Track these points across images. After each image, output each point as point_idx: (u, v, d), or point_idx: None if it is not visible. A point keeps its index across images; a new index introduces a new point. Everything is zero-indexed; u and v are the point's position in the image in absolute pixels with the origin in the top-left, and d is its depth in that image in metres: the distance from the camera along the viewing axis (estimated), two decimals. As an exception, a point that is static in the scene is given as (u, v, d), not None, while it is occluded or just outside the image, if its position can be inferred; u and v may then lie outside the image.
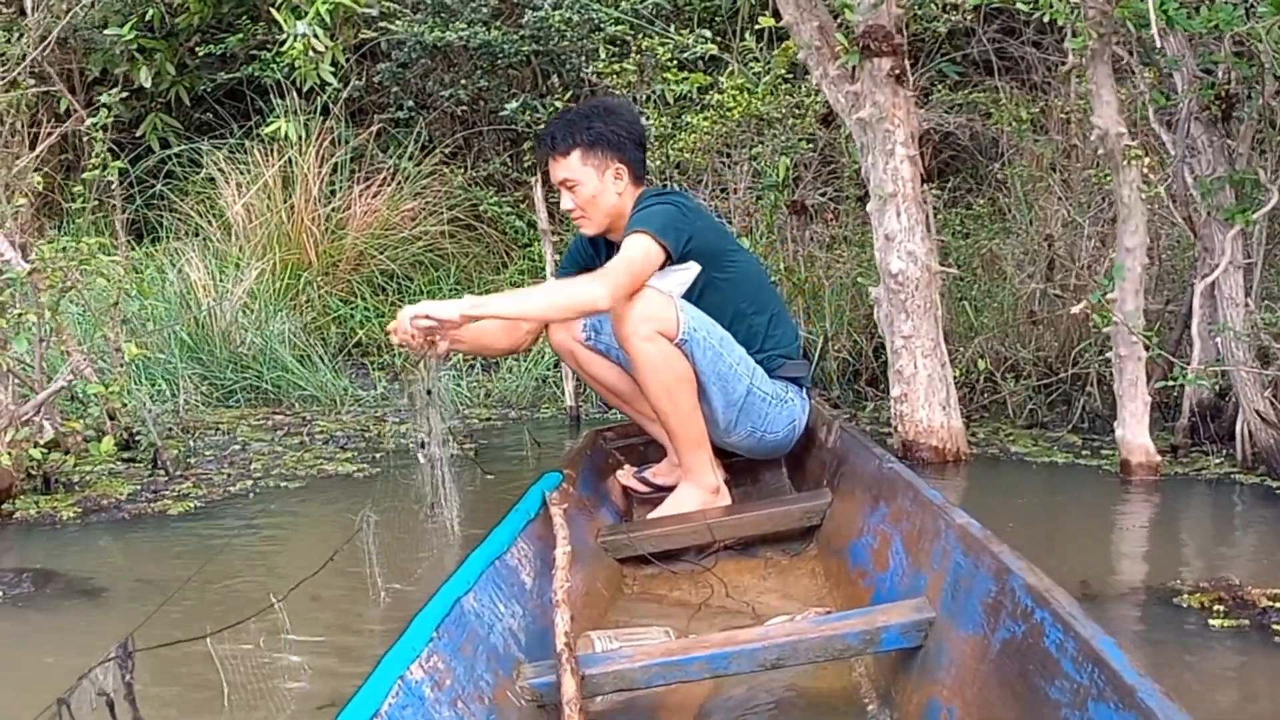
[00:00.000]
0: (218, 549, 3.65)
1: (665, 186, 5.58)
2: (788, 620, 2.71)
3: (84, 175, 5.24)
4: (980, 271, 5.49)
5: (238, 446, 4.98)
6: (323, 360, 6.08)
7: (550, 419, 5.59)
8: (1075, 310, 4.17)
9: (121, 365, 4.68)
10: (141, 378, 5.41)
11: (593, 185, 3.50)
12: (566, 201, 3.56)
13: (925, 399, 4.32)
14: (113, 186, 6.68)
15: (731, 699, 2.49)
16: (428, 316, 3.12)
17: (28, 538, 3.86)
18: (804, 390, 3.66)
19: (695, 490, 3.42)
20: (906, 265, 4.29)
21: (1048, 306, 5.12)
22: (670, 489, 3.55)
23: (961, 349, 5.05)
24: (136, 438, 4.75)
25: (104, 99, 5.02)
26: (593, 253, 3.68)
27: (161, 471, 4.52)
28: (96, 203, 6.93)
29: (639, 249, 3.29)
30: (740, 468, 3.80)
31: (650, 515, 3.48)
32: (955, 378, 4.50)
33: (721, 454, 3.60)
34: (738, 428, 3.51)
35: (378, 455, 4.79)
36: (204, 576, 3.33)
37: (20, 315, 4.18)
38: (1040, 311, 5.11)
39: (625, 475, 3.78)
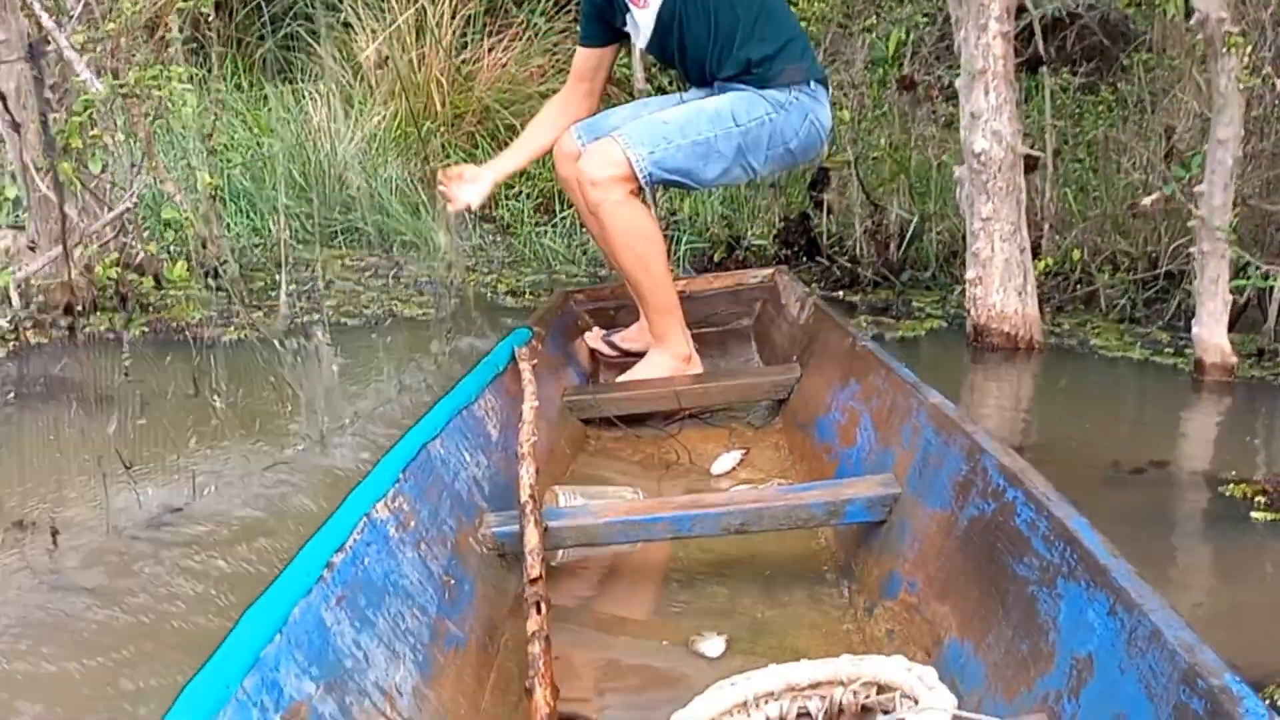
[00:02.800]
0: (252, 373, 3.84)
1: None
2: (751, 489, 2.72)
3: (179, 5, 5.25)
4: (1089, 160, 5.39)
5: (322, 284, 5.19)
6: (426, 209, 6.11)
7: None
8: (1146, 202, 4.11)
9: (211, 194, 4.80)
10: (245, 210, 5.65)
11: None
12: None
13: (1000, 283, 4.27)
14: (210, 19, 6.55)
15: (691, 562, 2.50)
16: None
17: (85, 350, 4.11)
18: (811, 83, 3.48)
19: (665, 357, 3.40)
20: (990, 145, 4.21)
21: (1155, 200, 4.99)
22: (638, 355, 3.53)
23: (1060, 238, 4.98)
24: (223, 266, 4.85)
25: None
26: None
27: (238, 301, 4.68)
28: (237, 41, 7.05)
29: None
30: (709, 339, 3.79)
31: (619, 379, 3.46)
32: (1050, 266, 4.44)
33: (692, 324, 3.58)
34: (757, 165, 3.44)
35: (453, 301, 4.94)
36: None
37: (96, 136, 4.27)
38: (1150, 206, 4.97)
39: (593, 338, 3.75)
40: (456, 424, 2.51)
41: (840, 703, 1.06)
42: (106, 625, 2.33)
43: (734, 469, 3.01)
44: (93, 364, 4.00)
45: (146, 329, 4.42)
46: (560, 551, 2.40)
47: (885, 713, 1.01)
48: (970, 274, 4.35)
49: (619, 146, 3.26)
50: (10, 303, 4.32)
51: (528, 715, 1.77)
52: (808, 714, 1.08)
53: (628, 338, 3.69)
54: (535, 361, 3.01)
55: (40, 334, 4.34)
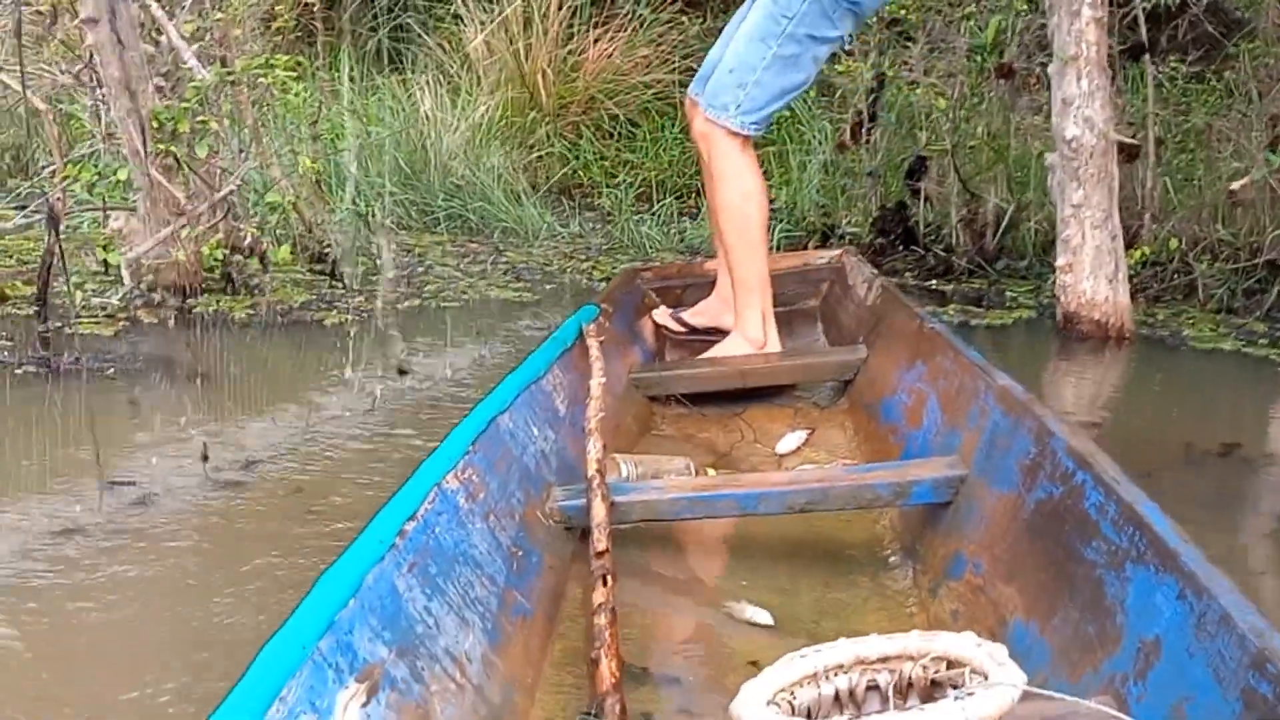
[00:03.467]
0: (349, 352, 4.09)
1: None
2: (816, 468, 2.73)
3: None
4: (1193, 150, 5.30)
5: (422, 269, 5.34)
6: (527, 196, 6.27)
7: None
8: (1236, 186, 4.04)
9: (313, 179, 5.14)
10: (351, 197, 5.85)
11: None
12: None
13: (1091, 271, 4.23)
14: (314, 8, 6.82)
15: (754, 540, 2.51)
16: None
17: (189, 331, 4.40)
18: None
19: (741, 342, 3.40)
20: (1082, 132, 4.17)
21: (1256, 189, 4.82)
22: (705, 331, 3.54)
23: (1159, 227, 4.90)
24: (326, 251, 5.10)
25: None
26: None
27: (340, 285, 4.91)
28: (350, 34, 7.22)
29: None
30: (776, 319, 3.78)
31: (695, 359, 3.47)
32: (1146, 256, 4.39)
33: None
34: (833, 34, 3.32)
35: (547, 287, 5.08)
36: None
37: (204, 122, 4.52)
38: (1246, 193, 4.80)
39: (661, 314, 3.76)
40: (525, 398, 2.54)
41: (909, 677, 1.07)
42: (202, 570, 2.50)
43: (799, 449, 3.02)
44: (197, 342, 4.26)
45: (252, 310, 4.58)
46: (625, 525, 2.42)
47: (955, 688, 1.02)
48: (1060, 261, 4.32)
49: (708, 117, 3.27)
50: (122, 281, 4.58)
51: (593, 685, 1.80)
52: (876, 687, 1.09)
53: (696, 313, 3.70)
54: (603, 338, 3.03)
55: (150, 313, 4.53)
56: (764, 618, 2.11)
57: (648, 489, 2.43)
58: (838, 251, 4.13)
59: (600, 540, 2.14)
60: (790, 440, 3.04)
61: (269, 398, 3.69)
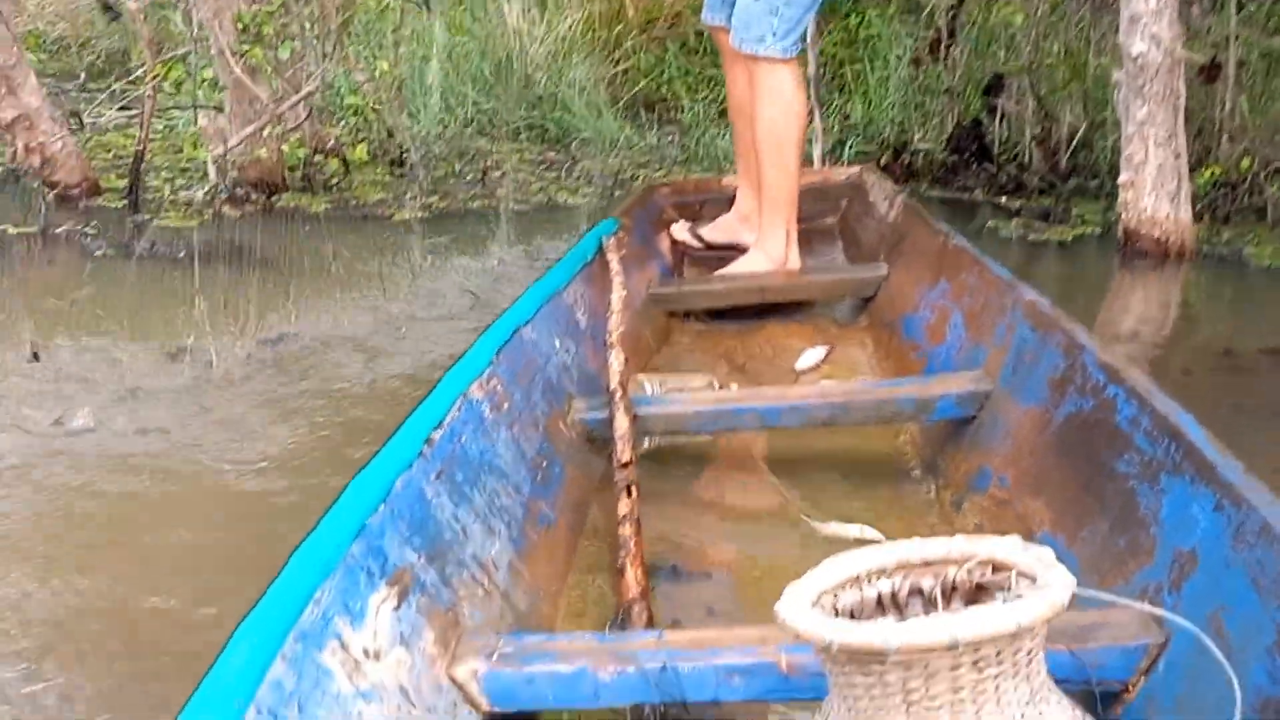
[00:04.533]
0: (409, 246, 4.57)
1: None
2: (839, 383, 2.72)
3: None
4: (1272, 70, 5.22)
5: (498, 173, 5.55)
6: (608, 108, 6.28)
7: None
8: None
9: (391, 83, 5.51)
10: (431, 103, 6.01)
11: None
12: None
13: (1152, 187, 4.18)
14: None
15: (775, 453, 2.51)
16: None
17: (268, 223, 4.80)
18: None
19: (762, 258, 3.36)
20: (1148, 48, 4.10)
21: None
22: (723, 247, 3.51)
23: (1231, 146, 4.80)
24: (405, 154, 5.42)
25: None
26: None
27: (415, 186, 5.21)
28: None
29: None
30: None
31: (713, 274, 3.44)
32: (1217, 175, 4.36)
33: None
34: None
35: (616, 194, 5.15)
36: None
37: (285, 25, 4.83)
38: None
39: (680, 229, 3.73)
40: (547, 310, 2.52)
41: (953, 581, 1.07)
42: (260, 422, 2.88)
43: (817, 365, 3.00)
44: (275, 233, 4.68)
45: (329, 206, 4.94)
46: (646, 438, 2.42)
47: (1001, 590, 1.01)
48: (1123, 178, 4.28)
49: (745, 52, 3.21)
50: (208, 177, 4.94)
51: (619, 594, 1.80)
52: (920, 591, 1.08)
53: (714, 229, 3.66)
54: (622, 252, 3.01)
55: (233, 207, 4.91)
56: (872, 534, 2.09)
57: (670, 402, 2.42)
58: (857, 168, 4.08)
59: (624, 452, 2.14)
60: (809, 357, 3.02)
61: (329, 283, 4.05)
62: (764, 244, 3.36)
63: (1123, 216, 4.27)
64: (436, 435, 1.78)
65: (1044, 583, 0.96)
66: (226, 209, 4.84)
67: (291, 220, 4.82)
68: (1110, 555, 1.60)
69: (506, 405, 2.09)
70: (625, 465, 2.10)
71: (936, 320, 2.79)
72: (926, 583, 1.07)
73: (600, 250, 3.02)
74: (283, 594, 1.27)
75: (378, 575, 1.44)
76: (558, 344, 2.50)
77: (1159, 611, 1.05)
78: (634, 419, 2.25)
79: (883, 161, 5.35)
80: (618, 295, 2.71)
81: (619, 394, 2.30)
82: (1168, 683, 1.36)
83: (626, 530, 1.91)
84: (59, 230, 4.59)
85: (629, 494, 2.01)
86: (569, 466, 2.22)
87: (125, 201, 4.91)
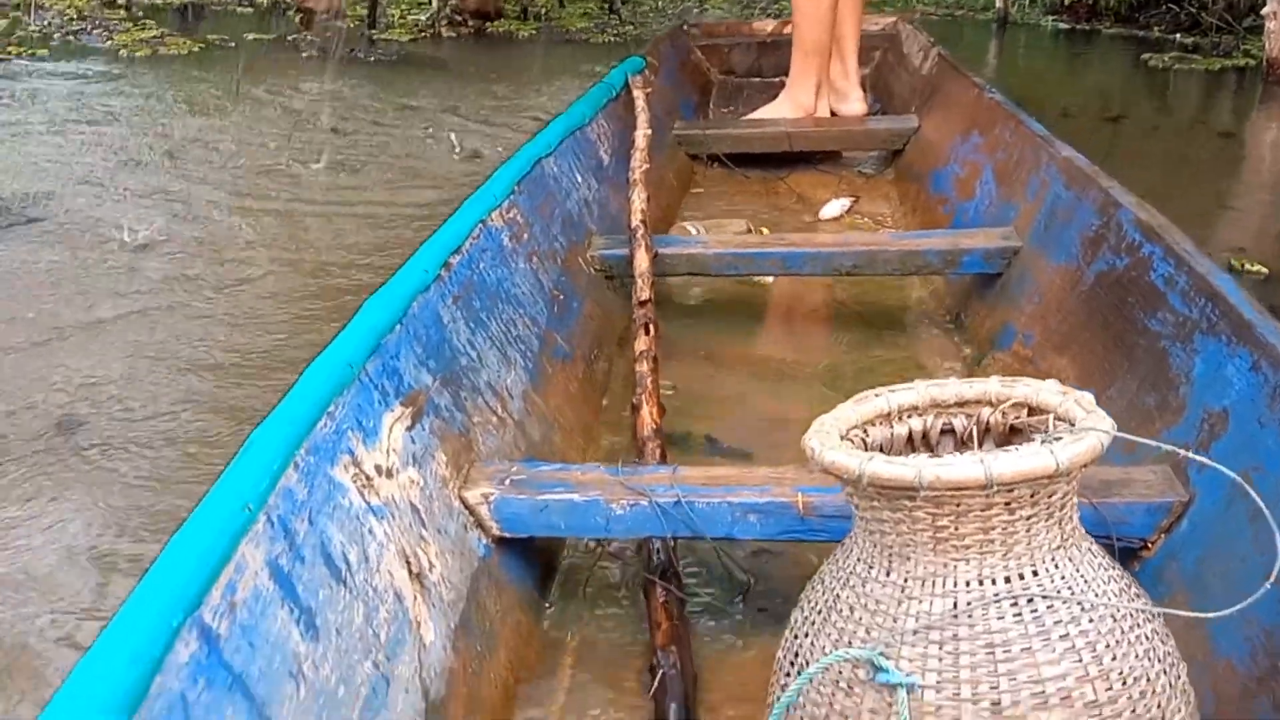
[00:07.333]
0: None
1: None
2: (863, 233, 2.66)
3: None
4: None
5: (698, 10, 6.42)
6: None
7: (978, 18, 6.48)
8: None
9: None
10: None
11: None
12: None
13: None
14: None
15: (797, 301, 2.47)
16: None
17: (476, 45, 5.94)
18: None
19: (789, 105, 3.28)
20: None
21: None
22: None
23: None
24: None
25: None
26: None
27: (617, 17, 6.36)
28: None
29: None
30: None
31: (738, 118, 3.36)
32: None
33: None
34: None
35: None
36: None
37: None
38: None
39: None
40: (569, 144, 2.46)
41: (986, 423, 1.03)
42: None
43: (841, 216, 2.94)
44: (477, 50, 5.79)
45: (536, 31, 5.94)
46: (667, 278, 2.38)
47: (1037, 433, 0.98)
48: (1267, 9, 4.35)
49: None
50: (430, 4, 6.09)
51: (634, 431, 1.78)
52: (951, 431, 1.05)
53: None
54: (649, 90, 2.93)
55: (451, 29, 6.15)
56: None
57: (692, 242, 2.38)
58: (892, 19, 3.96)
59: (643, 289, 2.10)
60: (833, 207, 2.97)
61: (513, 89, 4.90)
62: (792, 91, 3.27)
63: (1267, 47, 4.42)
64: (454, 260, 1.73)
65: (1084, 425, 0.93)
66: (444, 30, 6.07)
67: (500, 42, 5.86)
68: (1138, 413, 1.57)
69: (525, 236, 2.04)
70: (644, 303, 2.07)
71: (967, 175, 2.72)
72: (959, 423, 1.04)
73: (626, 86, 2.94)
74: (296, 405, 1.24)
75: (392, 395, 1.41)
76: (580, 179, 2.44)
77: (1202, 459, 1.02)
78: (654, 257, 2.21)
79: (1067, 1, 5.50)
80: (642, 133, 2.64)
81: (640, 231, 2.26)
82: (1189, 543, 1.34)
83: (644, 367, 1.88)
84: (311, 39, 5.94)
85: (647, 331, 1.98)
86: (587, 301, 2.18)
87: (364, 19, 6.23)
